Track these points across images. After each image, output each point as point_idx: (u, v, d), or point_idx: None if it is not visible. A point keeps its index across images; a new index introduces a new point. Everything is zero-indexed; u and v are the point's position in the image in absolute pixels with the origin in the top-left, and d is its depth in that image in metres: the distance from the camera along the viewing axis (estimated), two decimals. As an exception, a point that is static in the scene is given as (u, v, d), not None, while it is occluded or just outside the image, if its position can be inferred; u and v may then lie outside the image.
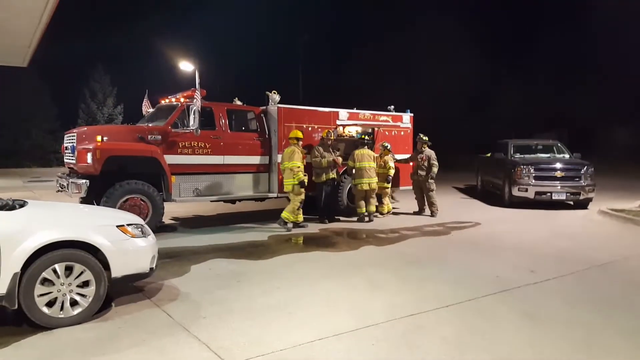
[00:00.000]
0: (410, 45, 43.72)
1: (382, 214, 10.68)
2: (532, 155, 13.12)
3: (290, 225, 9.04)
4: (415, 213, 11.18)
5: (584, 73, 39.54)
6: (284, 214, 8.99)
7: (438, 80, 41.53)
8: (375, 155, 10.33)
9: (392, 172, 10.56)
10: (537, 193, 11.73)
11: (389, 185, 10.65)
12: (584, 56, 39.99)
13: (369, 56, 46.37)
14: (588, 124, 37.43)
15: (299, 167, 8.89)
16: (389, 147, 10.77)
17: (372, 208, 10.12)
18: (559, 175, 11.83)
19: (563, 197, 11.74)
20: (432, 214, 10.75)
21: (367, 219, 10.02)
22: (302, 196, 9.04)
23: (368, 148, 10.25)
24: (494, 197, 13.46)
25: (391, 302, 4.84)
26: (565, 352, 3.76)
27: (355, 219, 10.10)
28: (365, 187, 9.88)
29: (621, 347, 3.86)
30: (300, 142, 9.24)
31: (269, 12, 55.11)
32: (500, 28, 45.12)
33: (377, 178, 10.04)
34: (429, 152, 10.87)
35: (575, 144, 16.97)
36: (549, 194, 11.69)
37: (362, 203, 10.03)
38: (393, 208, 11.40)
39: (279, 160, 9.69)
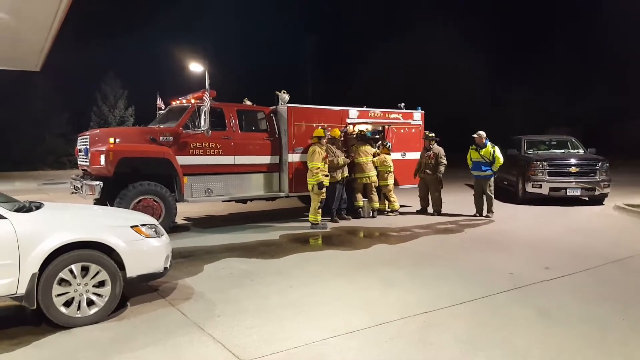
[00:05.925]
0: (423, 44, 43.59)
1: (393, 211, 10.63)
2: (546, 151, 12.97)
3: (325, 223, 9.18)
4: (418, 212, 10.91)
5: (598, 71, 39.10)
6: (310, 218, 9.11)
7: (451, 79, 41.37)
8: (375, 151, 10.44)
9: (391, 169, 10.51)
10: (551, 189, 11.61)
11: (391, 182, 10.59)
12: (598, 54, 39.57)
13: (381, 55, 46.28)
14: (602, 121, 36.98)
15: (318, 168, 8.94)
16: (388, 146, 10.71)
17: (376, 204, 10.28)
18: (573, 171, 11.68)
19: (578, 192, 11.60)
20: (434, 213, 10.55)
21: (372, 215, 10.25)
22: (323, 196, 9.12)
23: (367, 143, 10.35)
24: (507, 193, 13.31)
25: (404, 300, 4.84)
26: (579, 347, 3.72)
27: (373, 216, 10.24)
28: (366, 180, 10.10)
29: (636, 343, 3.82)
30: (323, 141, 9.27)
31: (278, 12, 55.16)
32: (513, 28, 44.81)
33: (375, 172, 10.20)
34: (437, 149, 10.53)
35: (590, 140, 16.68)
36: (563, 189, 11.56)
37: (360, 196, 10.28)
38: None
39: (290, 159, 9.76)
